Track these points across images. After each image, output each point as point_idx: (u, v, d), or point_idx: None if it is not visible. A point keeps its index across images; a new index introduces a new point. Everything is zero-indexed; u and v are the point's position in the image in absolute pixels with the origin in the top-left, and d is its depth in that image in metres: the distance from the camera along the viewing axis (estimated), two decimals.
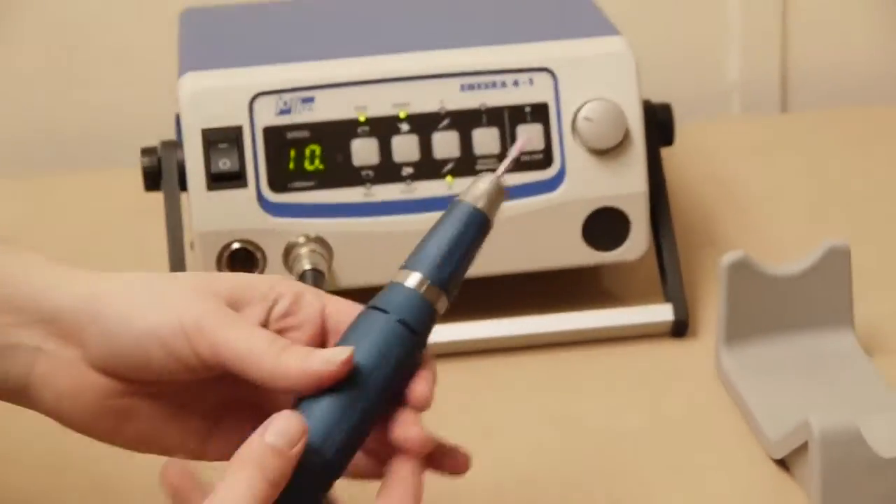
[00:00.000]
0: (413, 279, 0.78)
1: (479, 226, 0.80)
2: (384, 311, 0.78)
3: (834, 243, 1.03)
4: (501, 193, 0.81)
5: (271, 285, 0.80)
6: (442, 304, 0.79)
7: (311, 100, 1.07)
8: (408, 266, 0.79)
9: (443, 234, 0.80)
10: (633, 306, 1.11)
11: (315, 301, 0.81)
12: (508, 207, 1.07)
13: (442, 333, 1.06)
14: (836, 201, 1.28)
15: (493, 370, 1.07)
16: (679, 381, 1.05)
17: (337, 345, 0.77)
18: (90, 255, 1.24)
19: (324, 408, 0.76)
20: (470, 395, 1.02)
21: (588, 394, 1.05)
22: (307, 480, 0.75)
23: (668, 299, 1.10)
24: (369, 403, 0.77)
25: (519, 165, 1.07)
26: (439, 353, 1.07)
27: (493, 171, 0.81)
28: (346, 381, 0.76)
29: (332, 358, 0.76)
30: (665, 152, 1.13)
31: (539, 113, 1.08)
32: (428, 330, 0.79)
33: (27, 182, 1.38)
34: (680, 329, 1.10)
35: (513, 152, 0.82)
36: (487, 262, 1.08)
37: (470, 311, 1.09)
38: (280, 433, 0.73)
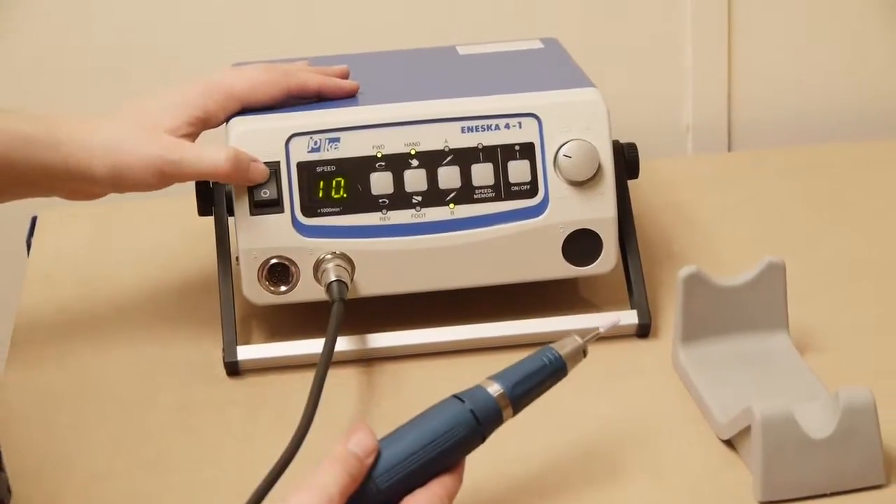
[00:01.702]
0: (493, 387, 0.85)
1: (556, 368, 0.87)
2: (462, 401, 0.84)
3: (772, 259, 1.03)
4: (582, 353, 0.88)
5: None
6: (507, 414, 0.85)
7: (337, 140, 1.06)
8: (494, 377, 0.86)
9: (529, 364, 0.86)
10: (605, 312, 1.11)
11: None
12: (502, 229, 1.07)
13: (453, 333, 1.08)
14: (773, 224, 1.27)
15: (489, 364, 1.04)
16: (642, 374, 1.05)
17: (416, 418, 0.83)
18: (153, 268, 1.24)
19: (392, 452, 0.81)
20: (471, 384, 1.01)
21: (566, 384, 1.04)
22: (361, 500, 0.80)
23: (633, 306, 1.10)
24: (425, 462, 0.81)
25: (511, 195, 1.07)
26: (453, 350, 1.09)
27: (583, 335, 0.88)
28: (416, 440, 0.81)
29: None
30: (631, 184, 1.12)
31: (526, 151, 1.07)
32: (490, 426, 0.84)
33: (99, 207, 1.37)
34: (644, 331, 1.09)
35: (602, 329, 0.89)
36: (485, 275, 1.09)
37: (471, 316, 1.09)
38: (358, 444, 0.80)
